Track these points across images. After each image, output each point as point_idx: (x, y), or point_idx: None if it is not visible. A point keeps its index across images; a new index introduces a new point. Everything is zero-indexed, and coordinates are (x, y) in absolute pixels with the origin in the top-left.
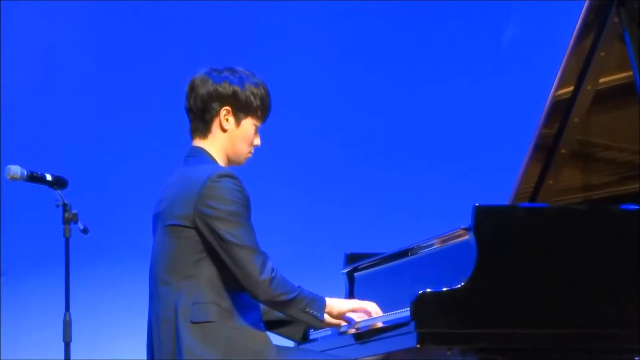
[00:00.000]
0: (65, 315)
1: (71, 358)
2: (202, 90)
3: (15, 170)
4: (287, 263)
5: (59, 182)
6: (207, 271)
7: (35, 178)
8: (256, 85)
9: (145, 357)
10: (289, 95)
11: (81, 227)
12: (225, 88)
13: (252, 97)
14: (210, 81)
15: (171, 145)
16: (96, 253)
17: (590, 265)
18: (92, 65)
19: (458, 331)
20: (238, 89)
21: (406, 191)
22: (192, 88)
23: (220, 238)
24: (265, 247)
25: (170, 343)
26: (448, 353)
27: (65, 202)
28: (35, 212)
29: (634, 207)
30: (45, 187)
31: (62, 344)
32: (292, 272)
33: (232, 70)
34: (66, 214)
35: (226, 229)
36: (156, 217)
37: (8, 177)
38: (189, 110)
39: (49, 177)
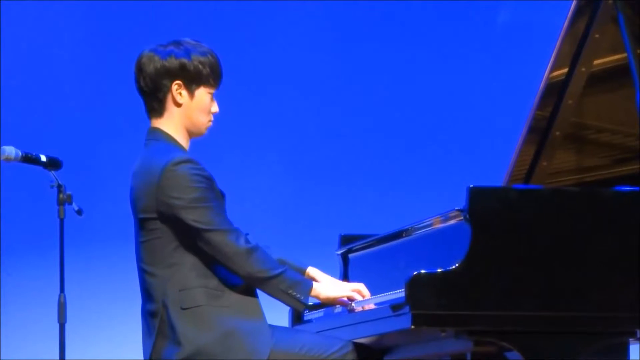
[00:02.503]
0: (60, 296)
1: (66, 339)
2: (150, 69)
3: (10, 151)
4: (281, 244)
5: (54, 163)
6: (188, 256)
7: (29, 159)
8: (203, 54)
9: (140, 338)
10: (283, 74)
11: (76, 208)
12: (172, 62)
13: (200, 67)
14: (156, 58)
15: None
16: (91, 234)
17: (584, 246)
18: (88, 47)
19: (452, 313)
20: (185, 60)
21: (401, 172)
22: (140, 68)
23: (190, 227)
24: (258, 228)
25: (164, 331)
26: (442, 335)
27: (60, 183)
28: (30, 193)
29: (628, 189)
30: (39, 168)
31: (57, 325)
32: (286, 253)
33: (177, 43)
34: (61, 195)
35: (193, 218)
36: (130, 205)
37: (2, 158)
38: (140, 91)
39: (43, 158)
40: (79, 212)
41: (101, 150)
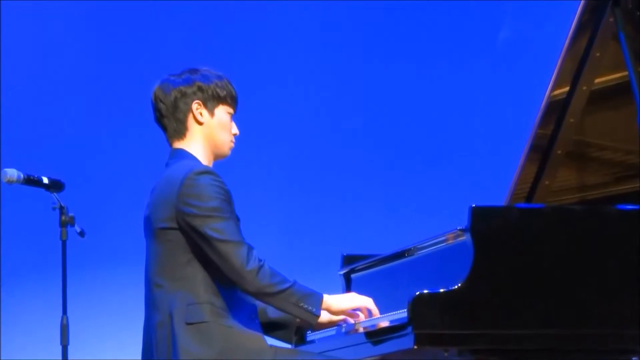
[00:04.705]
0: (62, 318)
1: None
2: (168, 95)
3: (12, 173)
4: (283, 264)
5: (56, 185)
6: (199, 271)
7: (31, 181)
8: (218, 77)
9: None
10: (286, 90)
11: (78, 229)
12: (189, 85)
13: (217, 89)
14: (171, 85)
15: (169, 148)
16: (93, 256)
17: (587, 265)
18: (89, 68)
19: (455, 332)
20: (202, 83)
21: (402, 192)
22: (157, 98)
23: (203, 235)
24: (260, 247)
25: (166, 345)
26: (445, 354)
27: (62, 204)
28: (32, 215)
29: (631, 207)
30: (41, 190)
31: (60, 347)
32: (288, 273)
33: (191, 70)
34: (63, 217)
35: (208, 226)
36: (145, 222)
37: (4, 181)
38: (159, 118)
39: (45, 180)
40: (81, 233)
41: (103, 172)
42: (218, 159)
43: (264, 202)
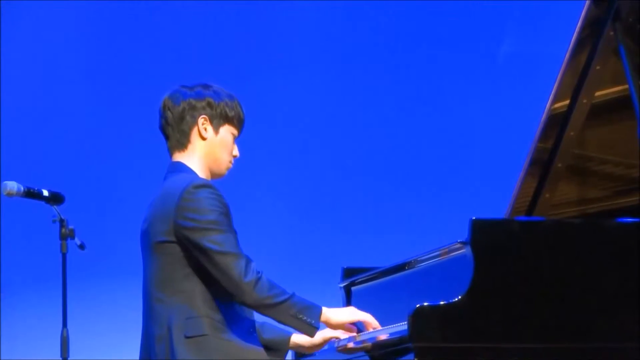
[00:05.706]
0: (62, 331)
1: None
2: (177, 105)
3: (12, 186)
4: (283, 277)
5: (56, 198)
6: (198, 284)
7: (32, 194)
8: (229, 97)
9: None
10: (282, 108)
11: (78, 242)
12: (199, 99)
13: (226, 108)
14: (182, 96)
15: (169, 161)
16: (93, 269)
17: (588, 278)
18: (90, 80)
19: (455, 345)
20: (212, 99)
21: (403, 205)
22: (166, 106)
23: (201, 248)
24: (260, 260)
25: (166, 357)
26: None
27: (62, 217)
28: (32, 228)
29: (631, 220)
30: (42, 202)
31: None
32: (288, 285)
33: (204, 86)
34: (63, 230)
35: (206, 238)
36: (142, 236)
37: (5, 193)
38: (164, 126)
39: (45, 193)
40: (82, 246)
41: (104, 185)
42: (214, 177)
43: (263, 214)
